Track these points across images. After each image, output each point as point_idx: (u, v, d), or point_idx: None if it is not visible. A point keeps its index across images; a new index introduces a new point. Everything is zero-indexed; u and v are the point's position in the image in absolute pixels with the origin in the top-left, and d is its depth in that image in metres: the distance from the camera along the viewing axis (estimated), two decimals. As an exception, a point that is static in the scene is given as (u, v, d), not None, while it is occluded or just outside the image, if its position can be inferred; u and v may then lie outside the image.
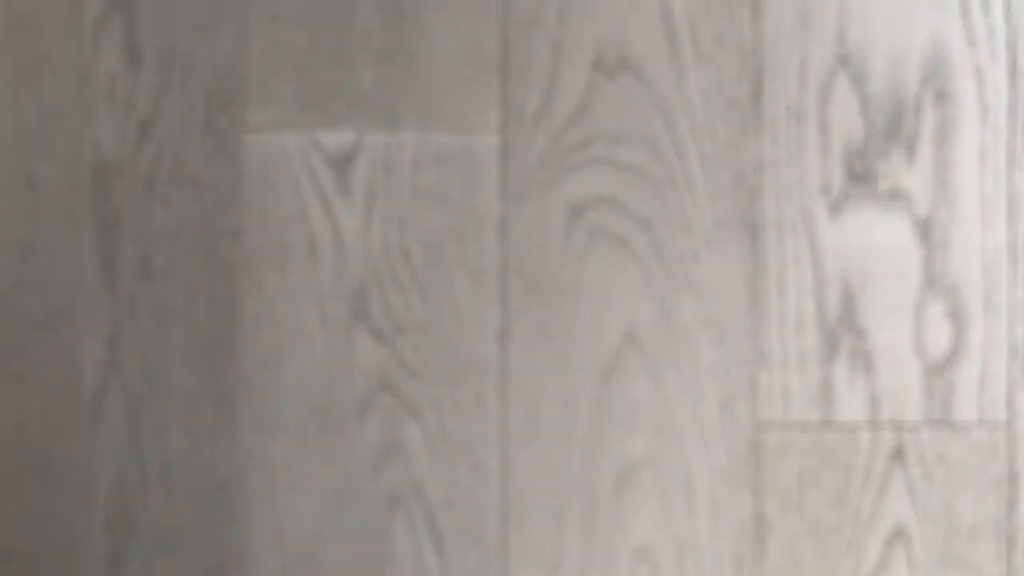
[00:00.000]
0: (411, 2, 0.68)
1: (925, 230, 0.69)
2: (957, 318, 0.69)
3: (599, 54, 0.69)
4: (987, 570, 0.68)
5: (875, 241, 0.69)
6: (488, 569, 0.68)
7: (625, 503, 0.68)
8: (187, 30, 0.68)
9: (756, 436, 0.68)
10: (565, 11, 0.69)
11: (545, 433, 0.68)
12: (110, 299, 0.68)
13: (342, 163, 0.68)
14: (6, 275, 0.67)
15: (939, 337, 0.69)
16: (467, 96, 0.68)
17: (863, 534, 0.68)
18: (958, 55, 0.69)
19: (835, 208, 0.69)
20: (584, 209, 0.69)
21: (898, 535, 0.68)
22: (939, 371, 0.69)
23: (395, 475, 0.68)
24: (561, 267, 0.69)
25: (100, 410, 0.67)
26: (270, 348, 0.68)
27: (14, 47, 0.68)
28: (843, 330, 0.69)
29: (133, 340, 0.68)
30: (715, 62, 0.69)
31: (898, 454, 0.68)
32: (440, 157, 0.68)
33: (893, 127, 0.69)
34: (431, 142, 0.68)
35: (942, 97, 0.69)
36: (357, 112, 0.68)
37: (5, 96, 0.68)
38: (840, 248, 0.69)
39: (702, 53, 0.69)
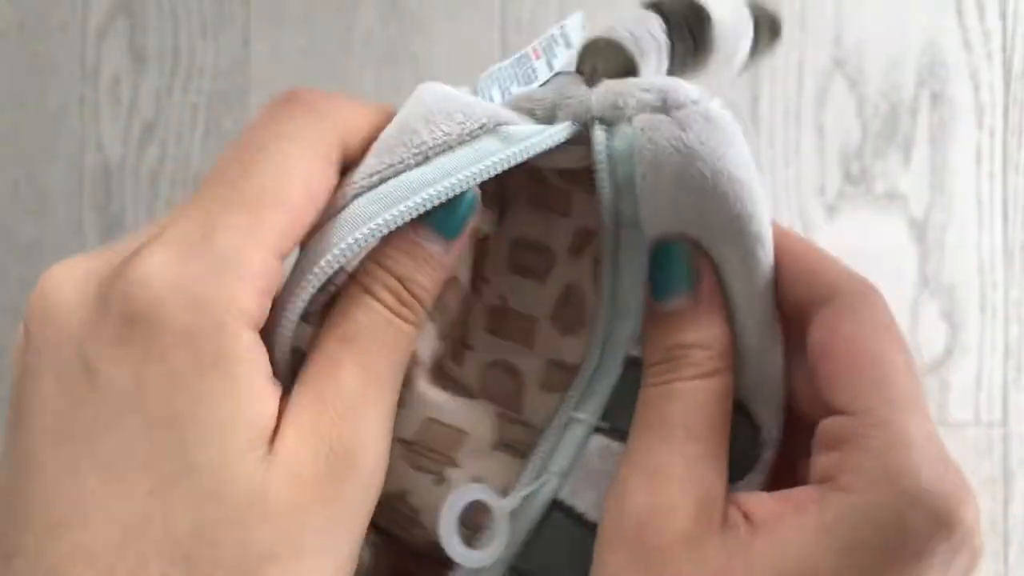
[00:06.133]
0: (412, 5, 0.68)
1: (921, 231, 0.69)
2: (952, 318, 0.68)
3: (598, 57, 0.69)
4: (982, 567, 0.68)
5: (871, 242, 0.68)
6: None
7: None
8: (190, 33, 0.68)
9: (753, 435, 0.68)
10: (564, 12, 0.68)
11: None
12: (114, 299, 0.68)
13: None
14: (10, 275, 0.67)
15: (935, 337, 0.68)
16: (467, 98, 0.68)
17: (859, 532, 0.68)
18: (954, 58, 0.69)
19: (832, 209, 0.68)
20: (583, 210, 0.69)
21: (894, 533, 0.68)
22: (935, 370, 0.68)
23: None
24: (560, 267, 0.69)
25: (104, 409, 0.67)
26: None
27: (19, 48, 0.68)
28: (839, 330, 0.68)
29: (137, 339, 0.68)
30: (713, 65, 0.69)
31: (894, 453, 0.68)
32: (441, 158, 0.68)
33: (889, 129, 0.69)
34: (432, 144, 0.68)
35: (938, 99, 0.69)
36: (359, 114, 0.68)
37: (10, 97, 0.68)
38: (836, 248, 0.67)
39: (700, 56, 0.69)
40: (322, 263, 0.22)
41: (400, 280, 0.22)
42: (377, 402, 0.21)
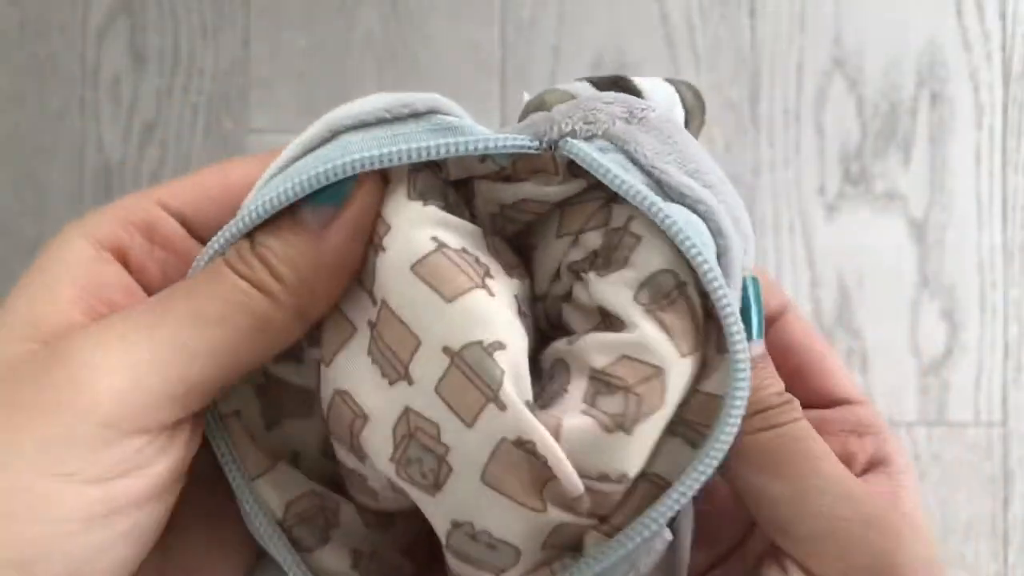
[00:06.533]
0: (412, 5, 0.68)
1: (920, 231, 0.69)
2: (952, 318, 0.68)
3: (598, 57, 0.68)
4: (982, 567, 0.68)
5: (871, 241, 0.68)
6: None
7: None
8: (191, 33, 0.68)
9: (753, 434, 0.68)
10: (564, 14, 0.68)
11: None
12: (114, 299, 0.68)
13: (344, 164, 0.68)
14: (11, 276, 0.67)
15: (934, 337, 0.68)
16: (468, 98, 0.68)
17: (859, 532, 0.68)
18: (953, 58, 0.69)
19: (831, 209, 0.68)
20: (583, 210, 0.69)
21: (894, 533, 0.68)
22: (934, 370, 0.68)
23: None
24: (560, 267, 0.69)
25: (104, 408, 0.67)
26: (273, 347, 0.68)
27: (20, 49, 0.68)
28: (839, 330, 0.68)
29: (137, 339, 0.68)
30: (713, 65, 0.69)
31: (894, 452, 0.68)
32: (441, 158, 0.68)
33: (889, 129, 0.69)
34: (432, 144, 0.68)
35: (937, 99, 0.69)
36: (359, 114, 0.68)
37: (10, 97, 0.68)
38: (836, 248, 0.68)
39: (700, 56, 0.69)
40: (212, 245, 0.22)
41: (251, 241, 0.22)
42: (151, 335, 0.21)
